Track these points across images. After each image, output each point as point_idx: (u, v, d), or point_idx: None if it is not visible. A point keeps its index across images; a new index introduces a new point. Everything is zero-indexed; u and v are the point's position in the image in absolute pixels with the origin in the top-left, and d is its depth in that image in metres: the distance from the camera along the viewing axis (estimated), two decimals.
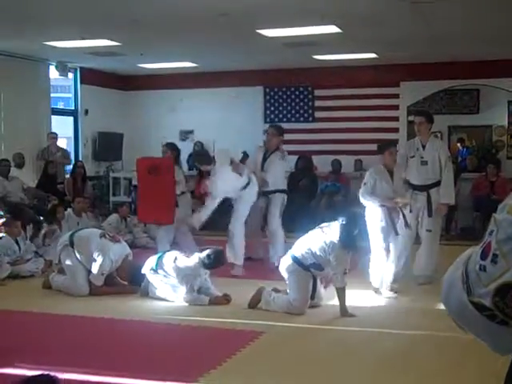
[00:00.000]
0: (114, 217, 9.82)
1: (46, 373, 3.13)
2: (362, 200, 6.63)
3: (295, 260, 5.84)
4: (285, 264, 5.92)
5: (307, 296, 5.84)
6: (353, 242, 5.75)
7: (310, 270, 5.82)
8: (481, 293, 1.24)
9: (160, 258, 6.35)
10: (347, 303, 5.76)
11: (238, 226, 7.65)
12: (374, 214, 6.49)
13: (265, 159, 8.20)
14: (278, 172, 8.17)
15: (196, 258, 6.20)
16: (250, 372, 4.37)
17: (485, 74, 11.92)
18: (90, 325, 5.55)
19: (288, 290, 5.89)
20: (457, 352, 4.72)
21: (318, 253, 5.74)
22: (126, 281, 6.64)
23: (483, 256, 1.25)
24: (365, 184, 6.63)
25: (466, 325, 1.33)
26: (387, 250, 6.53)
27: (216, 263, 6.21)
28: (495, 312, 1.22)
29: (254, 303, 5.97)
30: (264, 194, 8.03)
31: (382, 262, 6.51)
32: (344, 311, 5.73)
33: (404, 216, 6.67)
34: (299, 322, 5.56)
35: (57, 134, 12.04)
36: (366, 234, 6.16)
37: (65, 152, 12.08)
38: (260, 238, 8.48)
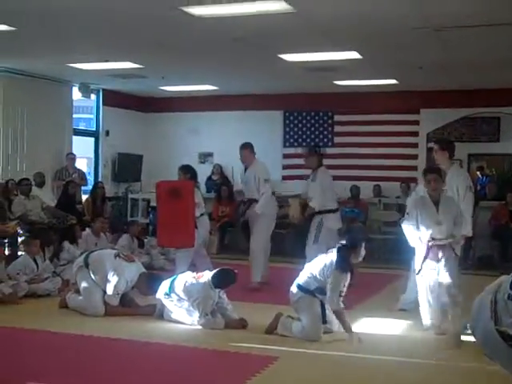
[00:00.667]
0: (125, 237, 9.79)
1: None
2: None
3: (299, 287, 5.83)
4: (292, 293, 5.90)
5: (318, 321, 5.78)
6: (347, 264, 5.69)
7: (315, 295, 5.79)
8: (508, 322, 1.23)
9: (173, 282, 6.32)
10: (365, 329, 5.71)
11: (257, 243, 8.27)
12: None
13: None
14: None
15: (205, 278, 6.18)
16: None
17: (506, 101, 11.89)
18: (105, 346, 5.55)
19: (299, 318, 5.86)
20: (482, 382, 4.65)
21: (319, 276, 5.73)
22: (145, 292, 6.63)
23: None
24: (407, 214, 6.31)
25: (491, 353, 1.32)
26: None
27: (223, 282, 6.16)
28: None
29: (271, 329, 5.92)
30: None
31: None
32: (348, 335, 5.67)
33: None
34: (313, 347, 5.51)
35: (75, 155, 12.17)
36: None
37: (82, 173, 12.19)
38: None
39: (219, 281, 6.12)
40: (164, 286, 6.36)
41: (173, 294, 6.25)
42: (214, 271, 6.22)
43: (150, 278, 6.65)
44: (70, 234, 8.93)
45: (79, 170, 12.26)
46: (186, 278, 6.29)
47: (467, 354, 5.12)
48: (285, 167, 13.30)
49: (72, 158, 11.99)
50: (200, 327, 6.08)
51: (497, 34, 7.70)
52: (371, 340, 5.73)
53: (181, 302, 6.23)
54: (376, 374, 4.92)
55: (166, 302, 6.33)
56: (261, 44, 8.50)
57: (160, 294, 6.35)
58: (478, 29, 7.42)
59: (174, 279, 6.36)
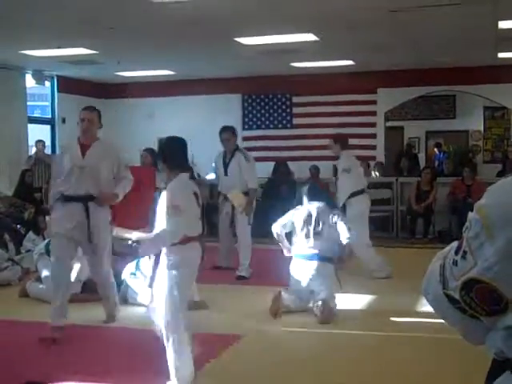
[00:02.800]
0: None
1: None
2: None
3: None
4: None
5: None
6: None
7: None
8: (452, 286, 1.29)
9: (139, 261, 6.33)
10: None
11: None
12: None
13: (226, 163, 8.00)
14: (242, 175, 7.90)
15: None
16: (228, 376, 4.37)
17: (461, 80, 12.08)
18: (69, 332, 5.50)
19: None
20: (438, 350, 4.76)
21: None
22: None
23: (457, 251, 1.31)
24: None
25: (441, 315, 1.38)
26: None
27: None
28: (464, 306, 1.27)
29: (274, 310, 5.82)
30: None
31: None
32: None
33: None
34: (279, 325, 5.57)
35: (44, 141, 12.08)
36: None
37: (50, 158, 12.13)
38: (231, 246, 8.16)
39: None
40: (129, 267, 6.37)
41: (138, 272, 6.28)
42: None
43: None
44: (34, 225, 8.83)
45: (50, 155, 12.19)
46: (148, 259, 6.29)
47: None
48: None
49: (42, 144, 11.92)
50: None
51: (450, 14, 7.79)
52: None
53: (147, 281, 6.22)
54: (338, 346, 5.01)
55: (131, 282, 6.33)
56: (217, 27, 8.45)
57: (126, 274, 6.34)
58: (431, 9, 7.50)
59: (139, 259, 6.33)
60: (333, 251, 5.99)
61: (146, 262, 6.22)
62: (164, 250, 4.07)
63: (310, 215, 6.00)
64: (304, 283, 5.90)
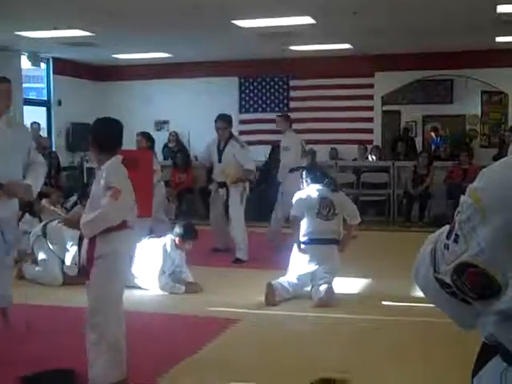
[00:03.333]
0: (78, 208, 9.54)
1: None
2: None
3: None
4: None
5: None
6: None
7: None
8: (444, 270, 1.29)
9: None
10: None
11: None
12: None
13: (220, 151, 7.97)
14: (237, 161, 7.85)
15: (168, 239, 6.19)
16: (224, 360, 4.39)
17: (458, 64, 12.05)
18: (65, 315, 5.52)
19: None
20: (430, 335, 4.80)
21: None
22: None
23: (449, 235, 1.30)
24: None
25: (432, 300, 1.37)
26: None
27: (193, 232, 6.21)
28: (455, 290, 1.27)
29: (271, 300, 5.77)
30: (223, 184, 7.88)
31: None
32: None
33: None
34: (274, 309, 5.59)
35: (39, 124, 12.06)
36: None
37: (47, 141, 12.13)
38: (225, 228, 8.13)
39: (189, 232, 6.16)
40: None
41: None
42: (179, 226, 6.22)
43: None
44: (30, 207, 8.78)
45: (45, 137, 12.20)
46: (145, 241, 6.31)
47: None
48: (241, 133, 13.26)
49: (37, 127, 11.88)
50: (160, 292, 6.11)
51: None
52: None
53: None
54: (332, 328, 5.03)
55: None
56: (214, 10, 8.40)
57: None
58: None
59: None
60: (338, 233, 6.01)
61: (140, 245, 6.25)
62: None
63: (323, 198, 6.00)
64: (310, 268, 5.89)
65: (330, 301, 5.69)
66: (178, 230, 6.14)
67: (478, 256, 1.22)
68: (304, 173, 6.31)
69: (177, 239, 6.14)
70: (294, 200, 6.15)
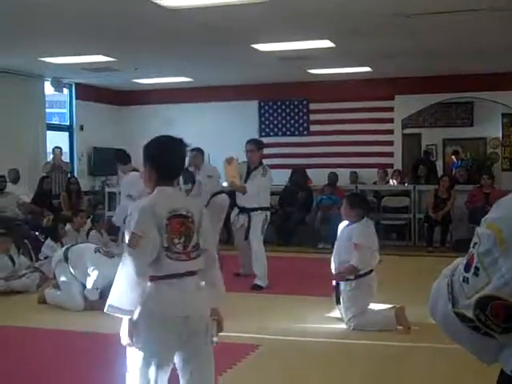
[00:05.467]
0: (93, 234, 9.27)
1: None
2: None
3: None
4: None
5: None
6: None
7: None
8: (464, 304, 1.26)
9: None
10: None
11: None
12: None
13: (247, 175, 7.86)
14: (261, 189, 7.77)
15: None
16: None
17: (479, 87, 12.01)
18: (86, 340, 5.53)
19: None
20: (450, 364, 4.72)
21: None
22: None
23: (467, 268, 1.28)
24: None
25: (451, 335, 1.35)
26: None
27: None
28: (477, 324, 1.24)
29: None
30: (245, 210, 7.80)
31: None
32: None
33: None
34: (294, 335, 5.55)
35: (61, 148, 12.25)
36: None
37: (67, 165, 12.35)
38: (248, 254, 7.98)
39: None
40: None
41: None
42: None
43: None
44: (53, 232, 8.81)
45: (67, 162, 12.41)
46: None
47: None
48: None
49: (59, 152, 12.09)
50: None
51: (468, 21, 7.75)
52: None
53: None
54: (355, 355, 4.98)
55: None
56: (234, 34, 8.48)
57: None
58: (448, 16, 7.48)
59: None
60: None
61: None
62: None
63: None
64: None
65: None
66: None
67: (502, 288, 1.20)
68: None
69: None
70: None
